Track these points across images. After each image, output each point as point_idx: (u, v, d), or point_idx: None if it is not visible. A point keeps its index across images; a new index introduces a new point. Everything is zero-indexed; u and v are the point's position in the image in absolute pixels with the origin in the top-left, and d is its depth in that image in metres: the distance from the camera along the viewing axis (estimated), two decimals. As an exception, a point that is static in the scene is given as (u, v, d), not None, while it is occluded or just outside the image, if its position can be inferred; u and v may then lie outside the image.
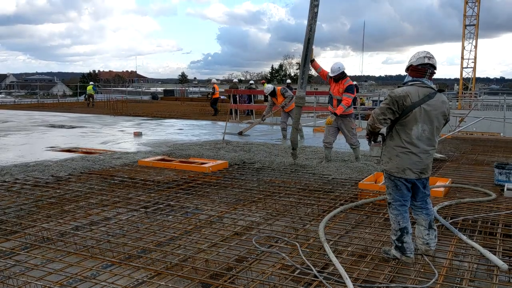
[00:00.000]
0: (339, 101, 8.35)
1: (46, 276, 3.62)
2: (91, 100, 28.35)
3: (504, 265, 3.80)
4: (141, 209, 5.54)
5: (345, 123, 8.58)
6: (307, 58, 7.95)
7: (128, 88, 50.36)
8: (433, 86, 3.89)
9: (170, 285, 3.48)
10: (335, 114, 8.41)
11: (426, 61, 3.87)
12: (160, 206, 5.68)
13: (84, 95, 29.25)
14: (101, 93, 37.46)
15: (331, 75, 8.41)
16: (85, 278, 3.60)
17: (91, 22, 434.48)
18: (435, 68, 3.91)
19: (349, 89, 8.32)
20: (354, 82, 9.96)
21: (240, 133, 13.27)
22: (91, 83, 31.65)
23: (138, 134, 13.15)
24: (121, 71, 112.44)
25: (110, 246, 4.31)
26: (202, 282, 3.57)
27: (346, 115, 8.51)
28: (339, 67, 8.35)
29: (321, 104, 24.88)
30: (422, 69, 3.88)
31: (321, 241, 4.31)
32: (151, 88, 54.69)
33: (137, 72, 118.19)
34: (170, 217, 5.27)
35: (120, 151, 10.00)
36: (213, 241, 4.44)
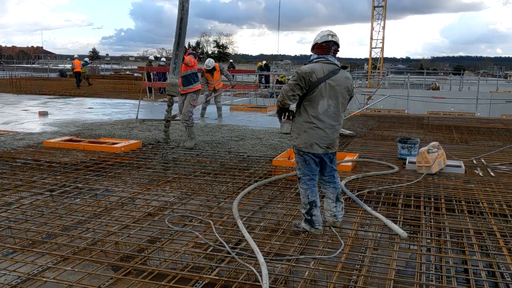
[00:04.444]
0: (184, 78, 8.12)
1: None
2: (86, 79, 26.18)
3: (404, 233, 4.08)
4: (46, 193, 5.23)
5: (187, 98, 8.24)
6: (181, 40, 7.19)
7: (33, 65, 47.13)
8: (337, 62, 4.05)
9: (77, 269, 3.35)
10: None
11: (330, 38, 4.02)
12: (67, 189, 5.41)
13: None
14: (3, 70, 34.69)
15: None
16: (-18, 268, 3.35)
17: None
18: (338, 45, 4.07)
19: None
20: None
21: (174, 117, 12.24)
22: (84, 60, 29.25)
23: (43, 114, 12.36)
24: (25, 46, 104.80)
25: (12, 232, 4.05)
26: (112, 265, 3.46)
27: (193, 91, 8.26)
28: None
29: (239, 82, 24.99)
30: (326, 46, 4.02)
31: (234, 218, 4.35)
32: (59, 65, 51.54)
33: (44, 48, 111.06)
34: (78, 200, 5.04)
35: (23, 131, 9.35)
36: (124, 223, 4.31)
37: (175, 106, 8.26)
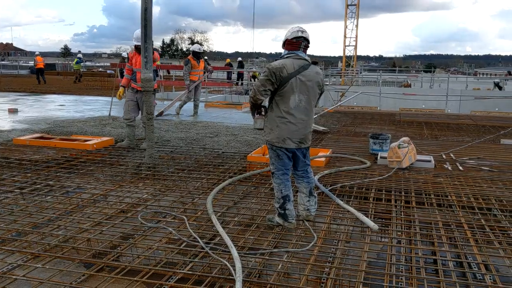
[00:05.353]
0: None
1: None
2: (78, 77, 26.54)
3: (375, 226, 4.16)
4: (16, 190, 5.13)
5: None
6: (148, 31, 6.73)
7: (3, 62, 46.02)
8: (308, 58, 4.12)
9: (48, 267, 3.30)
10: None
11: (300, 34, 4.08)
12: (38, 186, 5.31)
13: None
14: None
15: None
16: None
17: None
18: (308, 41, 4.14)
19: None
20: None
21: (161, 114, 11.74)
22: (77, 56, 29.52)
23: (13, 111, 12.10)
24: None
25: (-20, 231, 3.96)
26: (84, 262, 3.42)
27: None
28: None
29: (213, 79, 24.89)
30: (296, 42, 4.09)
31: (209, 214, 4.35)
32: (29, 62, 50.40)
33: (14, 45, 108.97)
34: (49, 197, 4.95)
35: (-8, 129, 9.13)
36: (96, 220, 4.26)
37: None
